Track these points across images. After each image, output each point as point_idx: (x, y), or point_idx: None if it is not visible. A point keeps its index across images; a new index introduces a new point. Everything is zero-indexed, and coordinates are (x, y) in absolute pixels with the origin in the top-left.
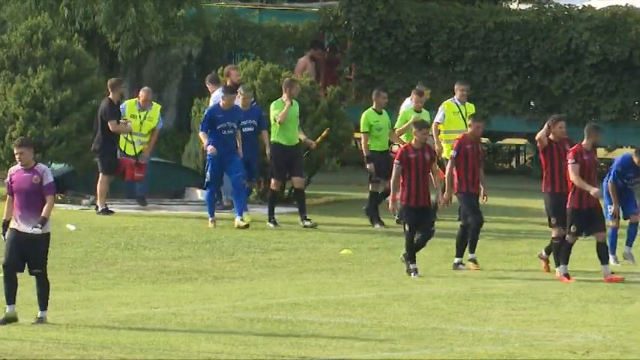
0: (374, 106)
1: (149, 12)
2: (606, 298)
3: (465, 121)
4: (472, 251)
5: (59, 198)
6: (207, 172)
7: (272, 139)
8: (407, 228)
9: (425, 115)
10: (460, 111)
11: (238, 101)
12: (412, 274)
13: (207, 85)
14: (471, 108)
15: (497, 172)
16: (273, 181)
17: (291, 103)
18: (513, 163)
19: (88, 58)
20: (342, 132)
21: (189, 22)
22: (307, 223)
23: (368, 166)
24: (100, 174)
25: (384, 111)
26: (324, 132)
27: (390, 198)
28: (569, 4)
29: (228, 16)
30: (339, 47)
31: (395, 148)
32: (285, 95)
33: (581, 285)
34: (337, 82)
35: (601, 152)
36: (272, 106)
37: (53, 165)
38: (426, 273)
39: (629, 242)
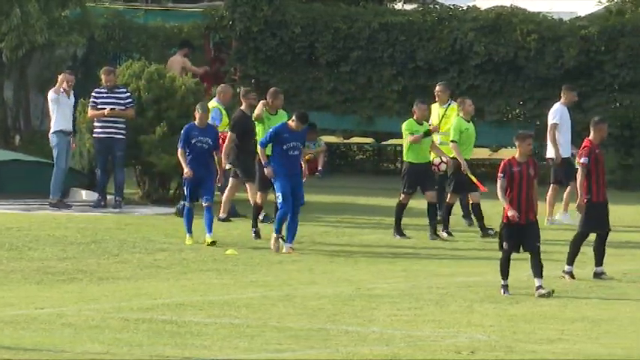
0: (415, 117)
1: (34, 12)
2: (491, 299)
3: (439, 122)
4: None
5: None
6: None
7: (258, 151)
8: (504, 246)
9: (470, 125)
10: (439, 112)
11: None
12: (502, 291)
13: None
14: (453, 110)
15: (382, 172)
16: (259, 193)
17: (276, 112)
18: (398, 164)
19: None
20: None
21: (73, 22)
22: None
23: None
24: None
25: (424, 122)
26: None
27: (506, 207)
28: (453, 5)
29: (113, 16)
30: (224, 47)
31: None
32: (266, 101)
33: (465, 285)
34: (222, 82)
35: (485, 153)
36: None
37: None
38: (312, 273)
39: None
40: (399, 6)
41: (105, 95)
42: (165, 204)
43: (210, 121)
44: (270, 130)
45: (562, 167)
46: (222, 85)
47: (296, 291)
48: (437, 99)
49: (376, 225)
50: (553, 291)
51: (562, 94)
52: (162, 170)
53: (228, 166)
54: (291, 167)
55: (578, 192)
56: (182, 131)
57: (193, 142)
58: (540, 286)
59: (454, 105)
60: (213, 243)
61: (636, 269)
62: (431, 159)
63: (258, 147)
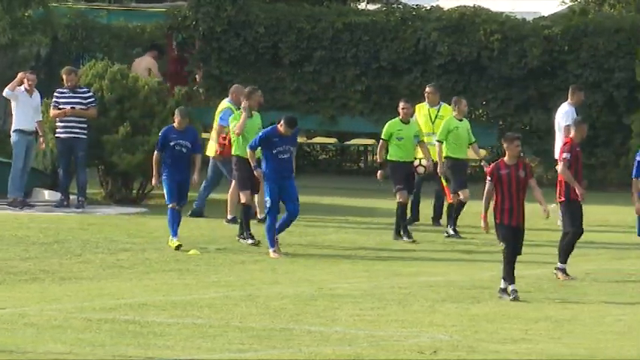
0: (401, 116)
1: None
2: (453, 298)
3: (432, 123)
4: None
5: None
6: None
7: (234, 152)
8: (504, 248)
9: (464, 124)
10: (429, 113)
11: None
12: (511, 295)
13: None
14: (445, 110)
15: (346, 172)
16: (241, 194)
17: (251, 114)
18: (362, 164)
19: None
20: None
21: (37, 22)
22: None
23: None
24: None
25: (410, 120)
26: None
27: (481, 216)
28: (417, 5)
29: (76, 16)
30: (187, 47)
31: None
32: (243, 104)
33: (428, 285)
34: (186, 82)
35: None
36: (230, 118)
37: None
38: (275, 273)
39: None
40: (362, 6)
41: (67, 95)
42: (128, 204)
43: (221, 121)
44: (260, 133)
45: None
46: (235, 85)
47: (258, 291)
48: (426, 100)
49: (339, 225)
50: (517, 297)
51: (570, 94)
52: (125, 170)
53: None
54: (282, 171)
55: (559, 187)
56: (160, 134)
57: (172, 144)
58: (505, 290)
59: (446, 106)
60: (178, 247)
61: (599, 269)
62: (415, 159)
63: (247, 149)
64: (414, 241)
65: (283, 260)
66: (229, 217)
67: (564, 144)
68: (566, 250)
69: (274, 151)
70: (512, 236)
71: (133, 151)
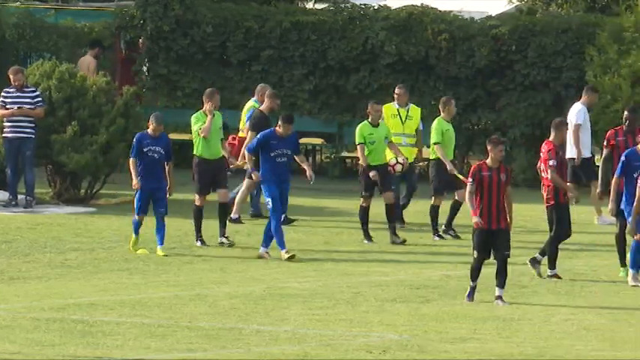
0: (370, 119)
1: None
2: (402, 298)
3: (402, 123)
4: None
5: None
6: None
7: (195, 153)
8: (474, 254)
9: (450, 126)
10: (399, 114)
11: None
12: (468, 294)
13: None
14: (414, 111)
15: (293, 171)
16: (197, 196)
17: (213, 115)
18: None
19: None
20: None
21: None
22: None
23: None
24: None
25: (380, 123)
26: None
27: (472, 212)
28: (365, 4)
29: (24, 16)
30: (134, 47)
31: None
32: (206, 106)
33: (377, 284)
34: (133, 81)
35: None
36: (192, 119)
37: None
38: (224, 272)
39: None
40: (310, 5)
41: (14, 95)
42: (76, 203)
43: (247, 121)
44: (259, 135)
45: (581, 167)
46: (261, 84)
47: (207, 291)
48: (396, 100)
49: (288, 224)
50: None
51: (584, 94)
52: (73, 170)
53: (245, 166)
54: (280, 174)
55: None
56: (134, 140)
57: (145, 150)
58: (500, 297)
59: (415, 106)
60: (164, 256)
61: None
62: (387, 159)
63: (245, 152)
64: (371, 242)
65: (233, 259)
66: (234, 216)
67: (547, 150)
68: (553, 254)
69: (272, 154)
70: (486, 242)
71: (81, 150)
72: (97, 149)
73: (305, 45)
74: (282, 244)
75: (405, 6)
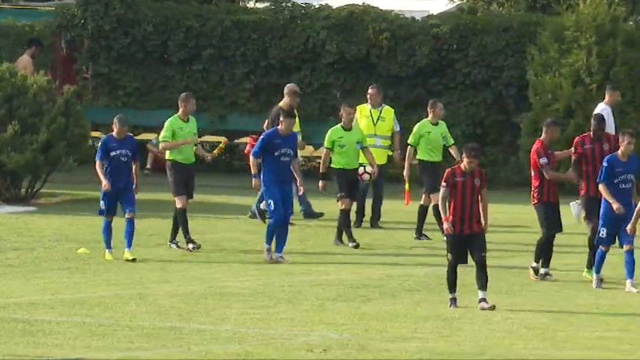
0: (343, 122)
1: None
2: (343, 297)
3: (374, 125)
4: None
5: None
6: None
7: (168, 157)
8: (448, 257)
9: (438, 128)
10: (371, 115)
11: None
12: (450, 304)
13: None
14: (387, 112)
15: (235, 170)
16: (176, 199)
17: (187, 119)
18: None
19: None
20: (79, 130)
21: None
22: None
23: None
24: None
25: (353, 126)
26: (221, 144)
27: (443, 218)
28: (306, 3)
29: None
30: (76, 46)
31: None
32: (180, 111)
33: (318, 283)
34: (74, 80)
35: None
36: (167, 124)
37: None
38: (164, 271)
39: None
40: (251, 4)
41: None
42: (16, 203)
43: None
44: (262, 136)
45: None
46: (288, 85)
47: (148, 289)
48: (369, 101)
49: (229, 223)
50: (494, 306)
51: (607, 94)
52: (14, 169)
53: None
54: (283, 174)
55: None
56: (100, 143)
57: (112, 155)
58: (484, 299)
59: (388, 108)
60: (133, 260)
61: (488, 267)
62: (360, 165)
63: (251, 157)
64: (357, 246)
65: (174, 258)
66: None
67: (534, 150)
68: (546, 254)
69: (276, 154)
70: (460, 247)
71: (21, 149)
72: (38, 148)
73: (246, 44)
74: (269, 242)
75: (346, 5)
